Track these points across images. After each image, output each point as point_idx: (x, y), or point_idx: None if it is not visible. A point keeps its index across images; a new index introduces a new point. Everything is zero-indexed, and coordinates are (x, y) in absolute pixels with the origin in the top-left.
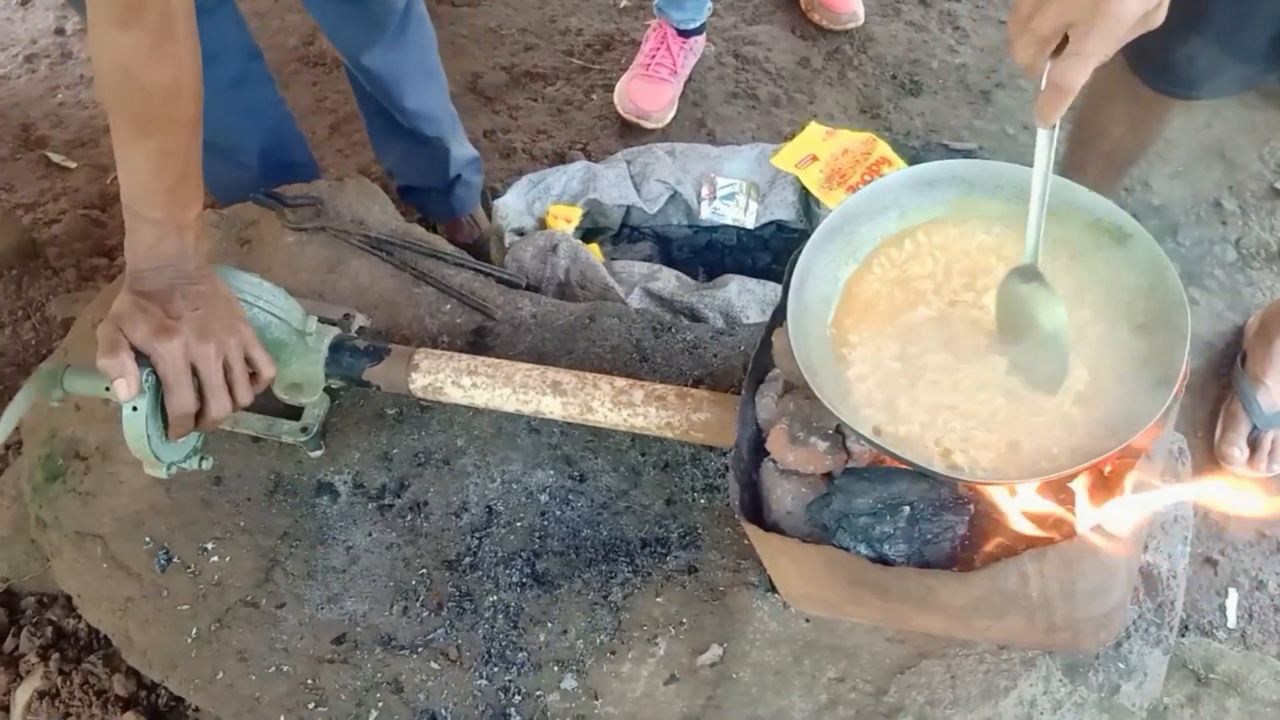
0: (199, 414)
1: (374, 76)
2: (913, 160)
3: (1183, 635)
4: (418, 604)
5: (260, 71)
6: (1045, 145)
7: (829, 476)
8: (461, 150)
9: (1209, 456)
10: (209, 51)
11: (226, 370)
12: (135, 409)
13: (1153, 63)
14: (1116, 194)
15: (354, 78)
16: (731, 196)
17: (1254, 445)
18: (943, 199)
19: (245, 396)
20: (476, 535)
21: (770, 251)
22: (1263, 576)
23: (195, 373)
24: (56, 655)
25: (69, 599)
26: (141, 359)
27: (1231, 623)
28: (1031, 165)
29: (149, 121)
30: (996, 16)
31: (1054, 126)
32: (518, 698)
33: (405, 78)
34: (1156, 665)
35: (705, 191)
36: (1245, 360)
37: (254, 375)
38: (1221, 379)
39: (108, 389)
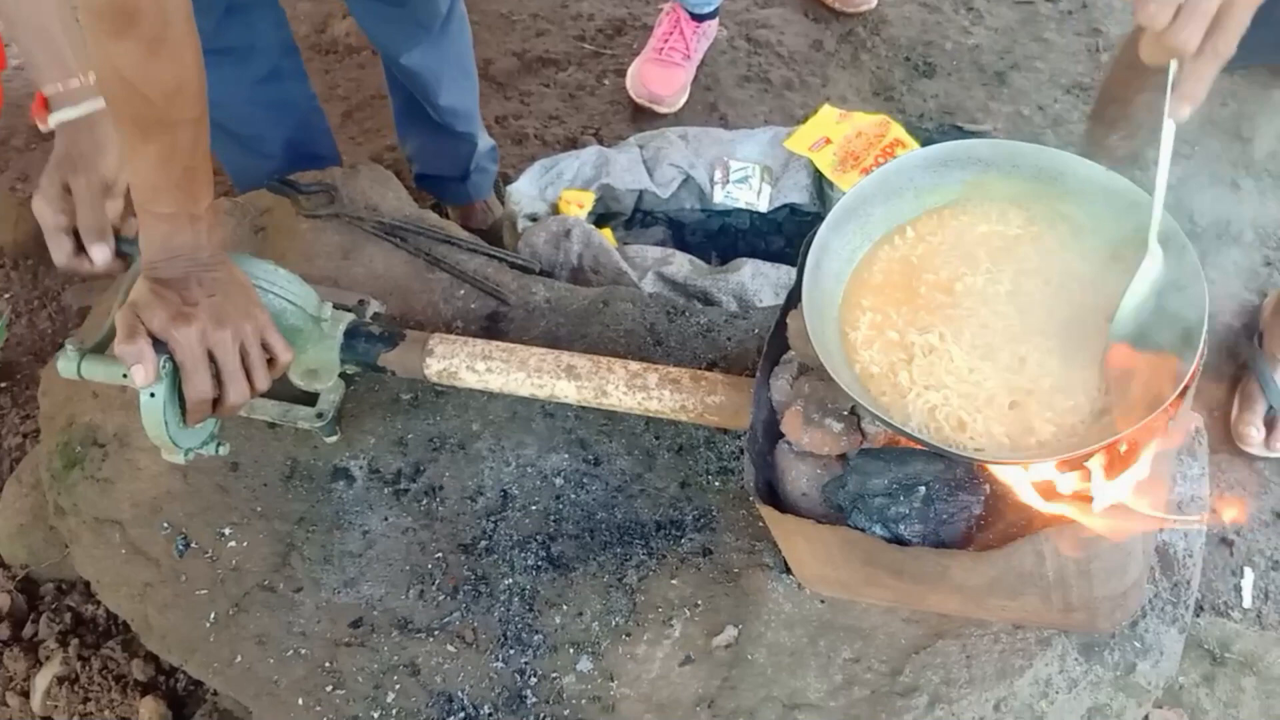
0: (216, 400)
1: (412, 75)
2: (926, 142)
3: (1198, 615)
4: (434, 587)
5: (295, 67)
6: (1169, 137)
7: (844, 458)
8: (484, 141)
9: (1225, 436)
10: (244, 47)
11: (243, 356)
12: (153, 395)
13: None
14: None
15: (389, 69)
16: (745, 180)
17: (1270, 425)
18: (958, 180)
19: (262, 382)
20: (492, 519)
21: (783, 235)
22: (1278, 557)
23: (212, 359)
24: (76, 641)
25: (88, 585)
26: (159, 345)
27: (1247, 603)
28: (1046, 145)
29: (151, 124)
30: None
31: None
32: (534, 680)
33: (443, 77)
34: (1172, 644)
35: (718, 175)
36: (1262, 340)
37: (271, 361)
38: (1238, 359)
39: (125, 375)
